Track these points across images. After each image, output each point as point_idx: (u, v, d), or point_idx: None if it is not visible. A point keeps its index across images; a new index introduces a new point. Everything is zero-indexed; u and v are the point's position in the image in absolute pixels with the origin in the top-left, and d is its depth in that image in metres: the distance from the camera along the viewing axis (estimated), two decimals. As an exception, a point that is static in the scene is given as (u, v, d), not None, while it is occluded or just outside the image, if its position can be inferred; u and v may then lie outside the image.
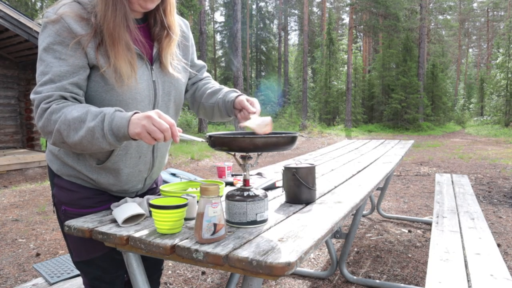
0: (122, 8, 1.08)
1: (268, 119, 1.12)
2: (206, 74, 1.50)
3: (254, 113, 1.21)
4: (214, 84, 1.43)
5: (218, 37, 35.14)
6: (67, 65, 1.06)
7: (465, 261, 1.80)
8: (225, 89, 1.38)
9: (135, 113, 1.01)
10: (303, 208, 1.25)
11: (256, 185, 1.52)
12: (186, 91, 1.44)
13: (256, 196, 1.04)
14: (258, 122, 1.12)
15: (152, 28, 1.22)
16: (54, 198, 1.28)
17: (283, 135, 1.04)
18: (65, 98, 1.06)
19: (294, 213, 1.19)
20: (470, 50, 47.64)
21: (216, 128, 19.91)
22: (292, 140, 1.04)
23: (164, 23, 1.21)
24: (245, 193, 1.04)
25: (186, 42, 1.36)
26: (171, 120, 1.00)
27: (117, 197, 1.30)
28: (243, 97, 1.27)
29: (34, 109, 1.08)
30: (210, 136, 1.05)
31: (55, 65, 1.05)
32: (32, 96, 1.07)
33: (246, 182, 1.08)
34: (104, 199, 1.27)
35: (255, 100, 1.26)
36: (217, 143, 1.03)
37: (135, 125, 0.98)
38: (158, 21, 1.21)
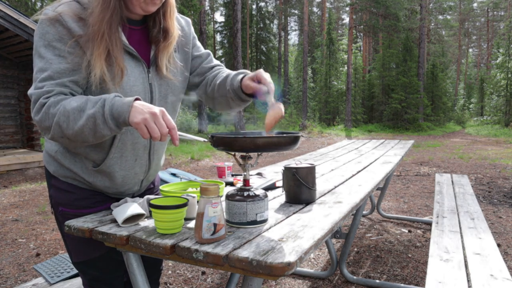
0: (112, 9, 1.06)
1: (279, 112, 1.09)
2: (214, 62, 1.40)
3: (268, 92, 1.12)
4: (223, 73, 1.33)
5: (218, 37, 35.09)
6: (66, 63, 1.05)
7: (465, 261, 1.80)
8: (231, 75, 1.27)
9: (136, 99, 1.00)
10: (303, 208, 1.25)
11: (256, 185, 1.52)
12: (196, 88, 1.38)
13: (256, 196, 1.04)
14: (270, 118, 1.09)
15: (150, 30, 1.21)
16: (52, 199, 1.28)
17: (285, 135, 1.03)
18: (64, 94, 1.05)
19: (294, 213, 1.19)
20: (470, 50, 47.65)
21: (216, 128, 19.89)
22: (294, 140, 1.04)
23: (163, 26, 1.19)
24: (245, 193, 1.04)
25: (186, 47, 1.32)
26: (173, 124, 0.99)
27: (114, 198, 1.30)
28: (249, 81, 1.17)
29: (31, 105, 1.05)
30: (212, 136, 1.05)
31: (54, 62, 1.04)
32: (30, 91, 1.05)
33: (246, 182, 1.08)
34: (101, 199, 1.26)
35: (264, 75, 1.14)
36: (219, 143, 1.03)
37: (137, 113, 0.96)
38: (157, 24, 1.19)
